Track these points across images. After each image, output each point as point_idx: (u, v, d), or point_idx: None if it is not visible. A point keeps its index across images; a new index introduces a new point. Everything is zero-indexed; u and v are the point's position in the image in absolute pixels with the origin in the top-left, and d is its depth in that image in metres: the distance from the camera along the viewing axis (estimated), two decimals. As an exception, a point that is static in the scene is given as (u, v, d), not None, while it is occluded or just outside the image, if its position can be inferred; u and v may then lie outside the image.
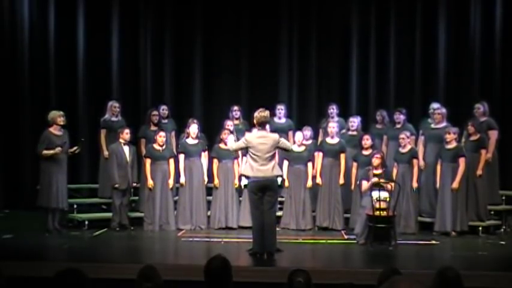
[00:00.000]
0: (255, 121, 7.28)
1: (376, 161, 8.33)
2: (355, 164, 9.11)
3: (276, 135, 7.33)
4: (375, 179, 8.00)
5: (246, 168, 7.34)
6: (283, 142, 7.36)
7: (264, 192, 7.07)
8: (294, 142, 9.42)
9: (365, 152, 9.00)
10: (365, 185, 8.26)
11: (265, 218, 7.09)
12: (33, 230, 8.67)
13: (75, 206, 9.48)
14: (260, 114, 7.18)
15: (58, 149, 8.49)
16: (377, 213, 7.83)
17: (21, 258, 6.83)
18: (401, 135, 9.01)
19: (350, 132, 9.69)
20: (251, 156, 7.15)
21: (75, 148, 8.83)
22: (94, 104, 10.66)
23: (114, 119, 9.77)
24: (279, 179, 8.01)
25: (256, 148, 7.10)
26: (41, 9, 10.98)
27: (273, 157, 7.16)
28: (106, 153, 9.46)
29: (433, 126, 9.32)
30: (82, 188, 10.42)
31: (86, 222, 9.09)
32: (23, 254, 7.12)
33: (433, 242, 8.32)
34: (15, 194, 10.71)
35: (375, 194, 7.84)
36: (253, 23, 11.28)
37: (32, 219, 9.13)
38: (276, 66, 11.30)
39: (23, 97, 10.89)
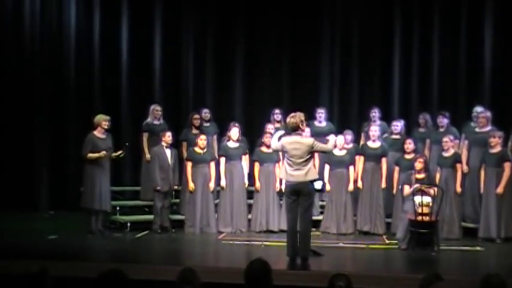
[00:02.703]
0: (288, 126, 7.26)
1: (418, 165, 8.22)
2: (397, 168, 9.00)
3: (310, 140, 7.15)
4: (417, 186, 7.85)
5: (282, 171, 7.34)
6: (319, 146, 7.11)
7: (298, 196, 7.02)
8: (335, 146, 9.36)
9: (407, 156, 8.89)
10: (407, 189, 8.16)
11: (300, 223, 7.05)
12: (77, 231, 8.83)
13: (117, 208, 9.63)
14: (290, 120, 7.10)
15: (103, 153, 8.63)
16: (419, 218, 7.72)
17: (66, 258, 6.95)
18: (445, 139, 8.86)
19: (393, 136, 9.58)
20: (286, 161, 7.14)
21: (119, 152, 8.96)
22: (137, 108, 10.81)
23: (156, 122, 9.88)
24: (320, 183, 7.95)
25: (289, 153, 7.06)
26: (87, 15, 11.24)
27: (307, 162, 6.99)
28: (148, 156, 9.56)
29: (477, 130, 9.14)
30: (125, 191, 10.56)
31: (128, 224, 9.21)
32: (67, 255, 7.25)
33: (478, 248, 8.15)
34: (60, 196, 10.95)
35: (418, 199, 7.73)
36: (295, 26, 11.26)
37: (76, 220, 9.30)
38: (318, 68, 11.26)
39: (68, 100, 11.14)
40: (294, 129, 7.10)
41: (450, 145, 8.84)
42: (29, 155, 10.99)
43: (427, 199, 7.77)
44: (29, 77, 11.05)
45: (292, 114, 7.14)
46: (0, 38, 11.02)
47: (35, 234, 8.61)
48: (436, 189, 7.95)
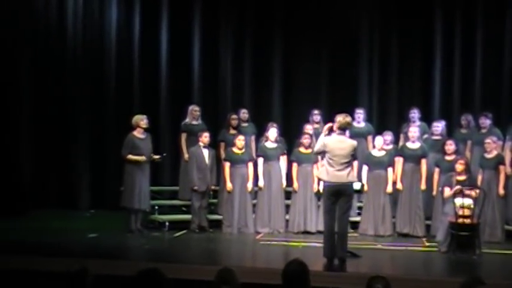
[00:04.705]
0: (337, 125, 7.19)
1: (459, 166, 8.06)
2: (437, 170, 8.85)
3: (354, 142, 7.23)
4: (458, 187, 7.71)
5: (322, 172, 7.29)
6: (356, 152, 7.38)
7: (338, 197, 6.99)
8: (374, 147, 9.28)
9: (448, 158, 8.74)
10: (447, 191, 8.02)
11: (338, 224, 7.01)
12: (117, 229, 8.95)
13: (156, 208, 9.72)
14: (344, 119, 7.12)
15: (143, 158, 8.75)
16: (460, 220, 7.58)
17: (105, 256, 7.04)
18: (487, 140, 8.69)
19: (434, 137, 9.42)
20: (328, 161, 7.08)
21: (157, 157, 9.06)
22: (175, 108, 10.90)
23: (194, 122, 9.94)
24: (358, 184, 7.89)
25: (333, 153, 7.03)
26: (127, 17, 11.39)
27: (350, 163, 7.06)
28: (186, 156, 9.62)
29: (521, 131, 8.95)
30: (163, 190, 10.65)
31: (167, 224, 9.27)
32: (106, 253, 7.34)
33: (521, 252, 7.98)
34: (100, 195, 11.11)
35: (458, 201, 7.60)
36: (334, 26, 11.16)
37: (115, 219, 9.41)
38: (356, 68, 11.15)
39: (108, 101, 11.31)
40: (343, 129, 7.16)
41: (493, 146, 8.66)
42: (69, 154, 11.19)
43: (468, 201, 7.63)
44: (70, 78, 11.26)
45: (344, 114, 7.21)
46: (44, 43, 11.25)
47: (75, 232, 8.77)
48: (477, 191, 7.80)
